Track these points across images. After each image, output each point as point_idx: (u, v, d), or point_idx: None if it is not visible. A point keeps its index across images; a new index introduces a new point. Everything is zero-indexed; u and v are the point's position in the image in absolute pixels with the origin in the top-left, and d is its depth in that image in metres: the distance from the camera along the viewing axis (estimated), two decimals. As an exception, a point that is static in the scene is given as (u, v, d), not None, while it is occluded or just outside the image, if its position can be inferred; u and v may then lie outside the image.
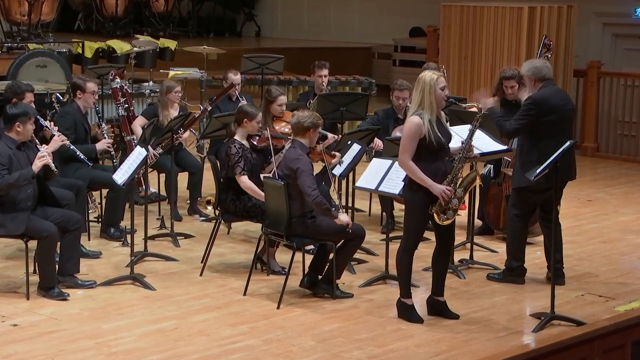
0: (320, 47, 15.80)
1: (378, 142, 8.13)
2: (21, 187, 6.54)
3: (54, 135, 7.19)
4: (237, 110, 7.48)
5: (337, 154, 7.32)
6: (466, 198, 8.24)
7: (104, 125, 8.11)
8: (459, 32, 12.03)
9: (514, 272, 7.12)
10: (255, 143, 7.35)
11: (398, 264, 6.36)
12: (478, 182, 6.38)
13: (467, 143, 6.33)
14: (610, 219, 9.20)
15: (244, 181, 7.11)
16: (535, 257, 7.62)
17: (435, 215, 6.18)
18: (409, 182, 6.24)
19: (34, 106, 7.30)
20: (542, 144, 6.78)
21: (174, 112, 8.74)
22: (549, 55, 8.31)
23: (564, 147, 6.28)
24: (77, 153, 7.48)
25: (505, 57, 11.50)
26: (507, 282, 7.11)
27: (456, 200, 6.18)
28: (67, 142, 7.27)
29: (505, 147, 7.29)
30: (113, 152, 8.16)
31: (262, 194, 6.98)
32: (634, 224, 9.02)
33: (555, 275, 6.67)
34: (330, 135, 8.10)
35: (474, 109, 6.49)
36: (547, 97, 6.85)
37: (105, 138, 7.98)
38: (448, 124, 7.46)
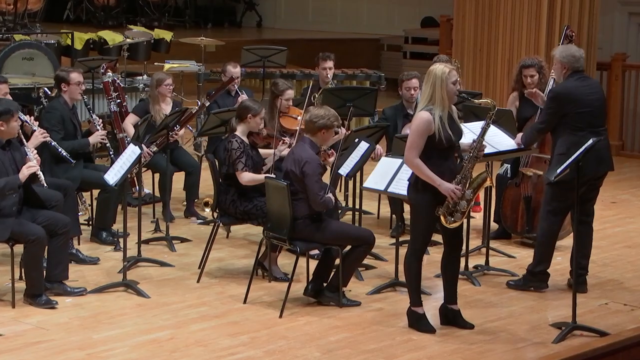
0: (325, 39, 15.81)
1: (379, 150, 8.05)
2: (6, 196, 6.53)
3: (35, 130, 7.20)
4: (240, 105, 7.51)
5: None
6: (481, 199, 8.27)
7: (95, 117, 8.12)
8: (474, 23, 12.02)
9: (536, 277, 7.09)
10: (255, 141, 7.38)
11: (406, 271, 6.37)
12: (489, 183, 6.36)
13: (479, 142, 6.31)
14: (636, 222, 9.19)
15: (244, 177, 7.14)
16: (555, 262, 7.59)
17: (442, 218, 6.18)
18: (414, 181, 6.25)
19: (10, 98, 7.30)
20: (573, 137, 6.74)
21: (165, 107, 8.75)
22: (571, 48, 8.30)
23: (585, 145, 6.27)
24: (59, 150, 7.50)
25: (524, 49, 11.49)
26: (528, 288, 7.07)
27: (464, 202, 6.17)
28: (49, 138, 7.28)
29: (523, 146, 7.27)
30: (109, 144, 8.16)
31: (262, 176, 7.15)
32: (661, 227, 9.02)
33: (578, 282, 6.66)
34: (342, 130, 8.10)
35: (488, 105, 6.46)
36: (568, 89, 6.85)
37: (98, 130, 7.98)
38: (462, 121, 7.49)
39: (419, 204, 6.25)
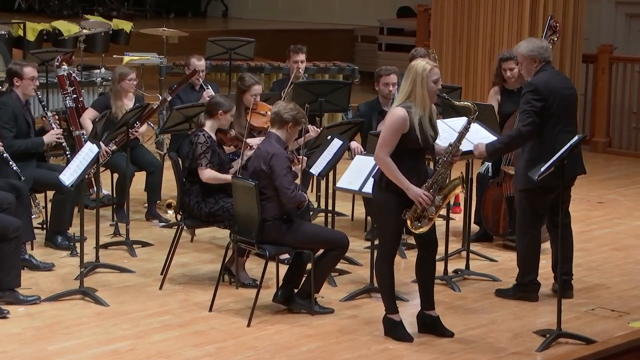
0: (296, 29, 15.82)
1: (355, 146, 8.17)
2: None
3: None
4: (210, 100, 7.54)
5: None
6: (461, 199, 8.31)
7: (49, 113, 8.08)
8: (453, 12, 12.07)
9: (526, 288, 7.13)
10: (223, 140, 7.39)
11: (378, 276, 6.39)
12: (460, 190, 6.36)
13: (454, 146, 6.31)
14: (624, 223, 9.26)
15: (206, 173, 7.17)
16: (539, 266, 7.65)
17: (407, 222, 6.19)
18: (379, 179, 6.25)
19: None
20: (546, 136, 6.78)
21: (128, 103, 8.73)
22: (555, 39, 8.36)
23: (571, 142, 6.30)
24: (10, 163, 7.48)
25: (506, 41, 11.56)
26: (518, 299, 7.11)
27: (433, 208, 6.18)
28: (1, 149, 7.27)
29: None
30: (64, 143, 8.12)
31: (227, 176, 7.17)
32: (650, 228, 9.09)
33: (563, 287, 6.70)
34: (312, 128, 8.10)
35: (468, 109, 6.43)
36: (547, 80, 6.83)
37: (53, 128, 7.94)
38: (440, 117, 7.49)
39: (384, 204, 6.25)
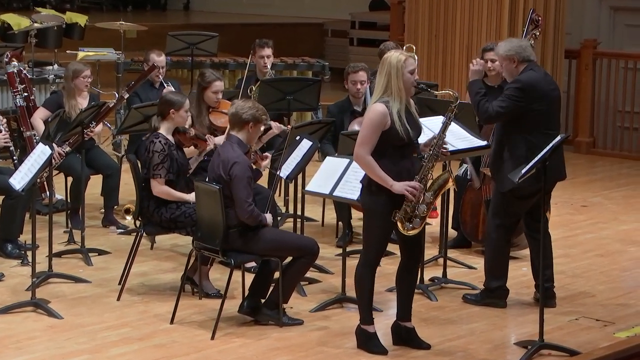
0: (262, 23, 15.84)
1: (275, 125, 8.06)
2: None
3: None
4: (160, 100, 7.47)
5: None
6: (438, 203, 8.33)
7: (-2, 116, 8.05)
8: (428, 5, 12.10)
9: (493, 294, 7.19)
10: (182, 141, 7.35)
11: (357, 284, 6.39)
12: (451, 185, 6.42)
13: (440, 138, 6.36)
14: (609, 227, 9.33)
15: (160, 187, 7.10)
16: (521, 274, 7.69)
17: (398, 224, 6.21)
18: (367, 183, 6.27)
19: None
20: (530, 138, 6.83)
21: (82, 102, 8.70)
22: (537, 34, 8.40)
23: (553, 142, 6.34)
24: None
25: (484, 36, 11.61)
26: (485, 305, 7.17)
27: (424, 206, 6.22)
28: None
29: (485, 143, 7.34)
30: (12, 148, 8.08)
31: (185, 196, 7.12)
32: (636, 233, 9.15)
33: (545, 295, 6.74)
34: (275, 125, 8.08)
35: (449, 97, 6.49)
36: (536, 80, 6.91)
37: (1, 131, 7.91)
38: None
39: (373, 209, 6.27)
